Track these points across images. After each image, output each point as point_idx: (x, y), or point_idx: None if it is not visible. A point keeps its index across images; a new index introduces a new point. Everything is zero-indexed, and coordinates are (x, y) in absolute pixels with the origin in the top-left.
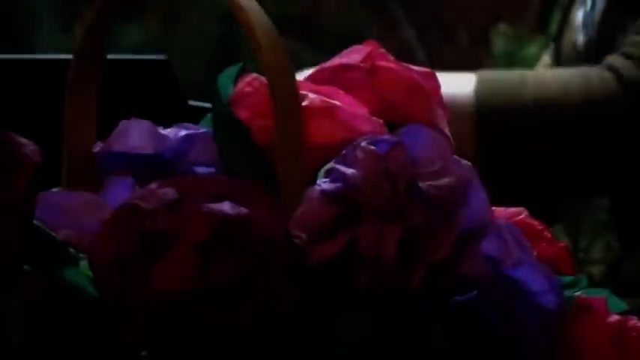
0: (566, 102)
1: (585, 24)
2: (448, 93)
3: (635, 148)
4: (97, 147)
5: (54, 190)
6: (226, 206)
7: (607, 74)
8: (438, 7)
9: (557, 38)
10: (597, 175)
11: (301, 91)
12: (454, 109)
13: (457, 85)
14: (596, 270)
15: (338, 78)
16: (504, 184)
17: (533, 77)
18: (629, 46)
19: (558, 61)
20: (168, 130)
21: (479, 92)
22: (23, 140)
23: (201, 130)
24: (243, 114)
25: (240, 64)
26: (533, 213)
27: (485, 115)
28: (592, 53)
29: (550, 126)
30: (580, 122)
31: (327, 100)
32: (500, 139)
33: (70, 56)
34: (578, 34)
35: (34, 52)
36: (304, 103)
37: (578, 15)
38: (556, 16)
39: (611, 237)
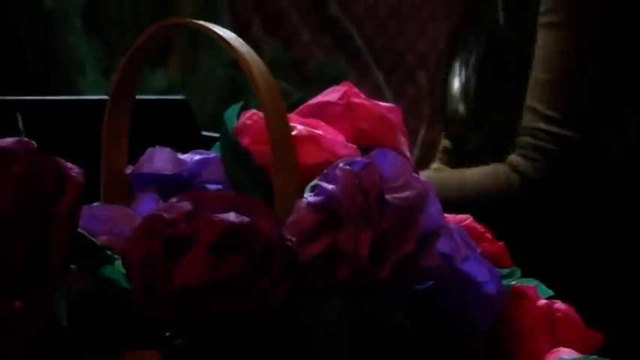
0: (481, 198)
1: (463, 94)
2: None
3: (534, 233)
4: (129, 169)
5: (94, 204)
6: (232, 216)
7: (513, 175)
8: (401, 55)
9: (443, 104)
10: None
11: (291, 123)
12: None
13: None
14: None
15: (321, 112)
16: None
17: (457, 178)
18: (523, 149)
19: (446, 124)
20: (186, 155)
21: None
22: (70, 164)
23: (212, 155)
24: (245, 141)
25: (243, 102)
26: None
27: None
28: (472, 121)
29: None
30: (492, 214)
31: (312, 130)
32: None
33: (107, 97)
34: (459, 104)
35: (80, 94)
36: (294, 133)
37: (455, 84)
38: (442, 87)
39: None
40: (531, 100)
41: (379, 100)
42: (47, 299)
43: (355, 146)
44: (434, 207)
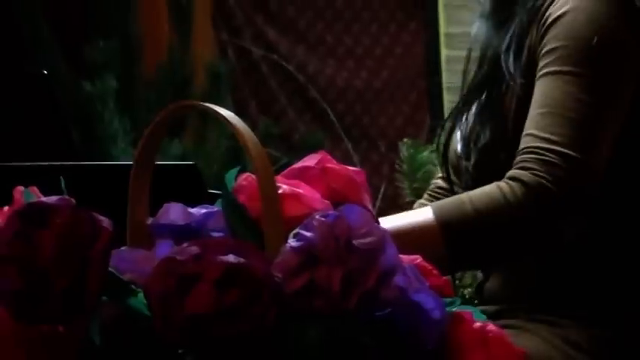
0: (492, 207)
1: (461, 137)
2: (418, 222)
3: (539, 234)
4: (149, 220)
5: (122, 248)
6: (231, 257)
7: (513, 184)
8: (366, 127)
9: (445, 149)
10: (516, 249)
11: (278, 184)
12: (427, 231)
13: (421, 215)
14: (467, 291)
15: (301, 175)
16: (465, 260)
17: (467, 197)
18: (522, 163)
19: (446, 162)
20: (194, 209)
21: (437, 215)
22: (102, 217)
23: (216, 209)
24: (241, 198)
25: (240, 167)
26: None
27: (445, 227)
28: (465, 157)
29: (485, 225)
30: (503, 219)
31: (294, 189)
32: (458, 238)
33: (132, 163)
34: (458, 144)
35: (112, 160)
36: (280, 191)
37: (458, 132)
38: (442, 136)
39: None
40: (529, 129)
41: (348, 165)
42: (84, 324)
43: (329, 202)
44: (391, 249)
